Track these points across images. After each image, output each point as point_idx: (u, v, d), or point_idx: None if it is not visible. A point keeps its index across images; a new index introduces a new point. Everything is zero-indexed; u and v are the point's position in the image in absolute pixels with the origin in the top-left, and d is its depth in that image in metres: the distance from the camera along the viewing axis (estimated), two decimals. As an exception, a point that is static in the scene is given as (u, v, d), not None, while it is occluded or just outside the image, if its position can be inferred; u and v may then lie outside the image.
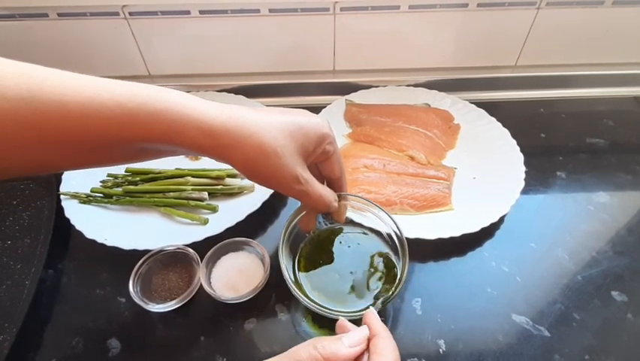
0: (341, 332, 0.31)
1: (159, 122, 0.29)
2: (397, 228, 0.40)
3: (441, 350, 0.41)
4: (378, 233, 0.43)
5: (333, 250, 0.42)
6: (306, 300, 0.36)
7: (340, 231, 0.44)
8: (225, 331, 0.43)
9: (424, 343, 0.41)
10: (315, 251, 0.42)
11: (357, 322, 0.33)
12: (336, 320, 0.33)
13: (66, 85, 0.26)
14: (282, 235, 0.39)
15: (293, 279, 0.39)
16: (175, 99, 0.29)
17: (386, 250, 0.42)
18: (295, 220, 0.41)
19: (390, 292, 0.37)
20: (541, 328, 0.42)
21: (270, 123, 0.32)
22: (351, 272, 0.40)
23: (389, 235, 0.41)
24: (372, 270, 0.40)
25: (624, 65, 0.72)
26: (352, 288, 0.39)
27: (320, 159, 0.38)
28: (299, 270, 0.41)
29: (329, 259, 0.42)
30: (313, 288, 0.39)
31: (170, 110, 0.29)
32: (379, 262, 0.41)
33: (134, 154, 0.32)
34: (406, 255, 0.38)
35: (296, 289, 0.37)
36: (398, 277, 0.38)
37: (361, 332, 0.30)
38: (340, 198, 0.41)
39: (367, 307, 0.34)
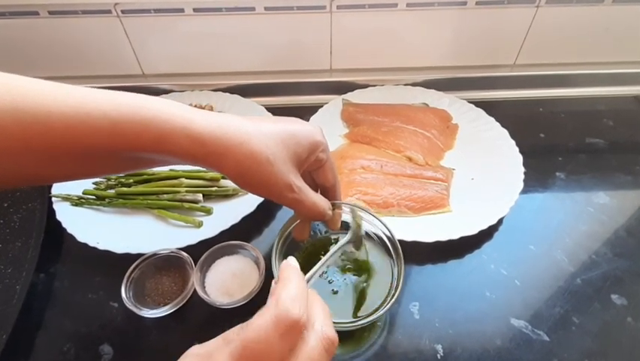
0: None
1: (147, 131, 0.28)
2: (391, 235, 0.39)
3: (439, 355, 0.40)
4: (373, 241, 0.42)
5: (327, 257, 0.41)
6: None
7: (335, 239, 0.43)
8: (220, 336, 0.42)
9: (421, 348, 0.41)
10: (311, 259, 0.41)
11: (351, 333, 0.32)
12: None
13: (50, 95, 0.26)
14: (275, 243, 0.39)
15: None
16: (162, 108, 0.29)
17: (381, 257, 0.41)
18: (289, 229, 0.40)
19: (386, 301, 0.36)
20: (540, 332, 0.42)
21: (262, 131, 0.32)
22: (344, 281, 0.39)
23: (384, 243, 0.41)
24: (365, 279, 0.39)
25: (624, 63, 0.71)
26: (346, 297, 0.38)
27: (313, 167, 0.37)
28: None
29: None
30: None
31: (158, 118, 0.28)
32: (373, 271, 0.40)
33: (124, 164, 0.31)
34: (401, 262, 0.37)
35: None
36: (394, 285, 0.37)
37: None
38: (334, 206, 0.40)
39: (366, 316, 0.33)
